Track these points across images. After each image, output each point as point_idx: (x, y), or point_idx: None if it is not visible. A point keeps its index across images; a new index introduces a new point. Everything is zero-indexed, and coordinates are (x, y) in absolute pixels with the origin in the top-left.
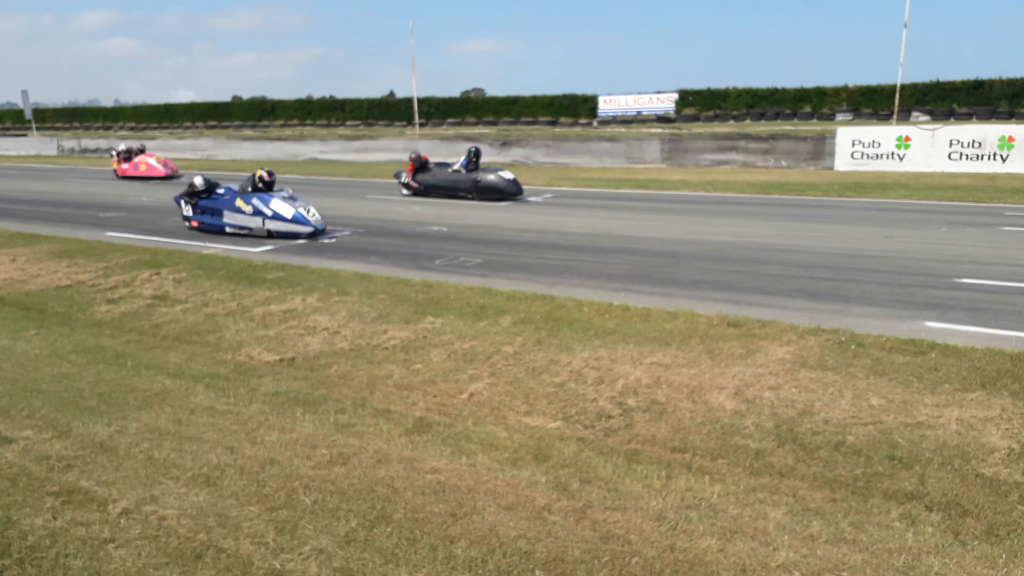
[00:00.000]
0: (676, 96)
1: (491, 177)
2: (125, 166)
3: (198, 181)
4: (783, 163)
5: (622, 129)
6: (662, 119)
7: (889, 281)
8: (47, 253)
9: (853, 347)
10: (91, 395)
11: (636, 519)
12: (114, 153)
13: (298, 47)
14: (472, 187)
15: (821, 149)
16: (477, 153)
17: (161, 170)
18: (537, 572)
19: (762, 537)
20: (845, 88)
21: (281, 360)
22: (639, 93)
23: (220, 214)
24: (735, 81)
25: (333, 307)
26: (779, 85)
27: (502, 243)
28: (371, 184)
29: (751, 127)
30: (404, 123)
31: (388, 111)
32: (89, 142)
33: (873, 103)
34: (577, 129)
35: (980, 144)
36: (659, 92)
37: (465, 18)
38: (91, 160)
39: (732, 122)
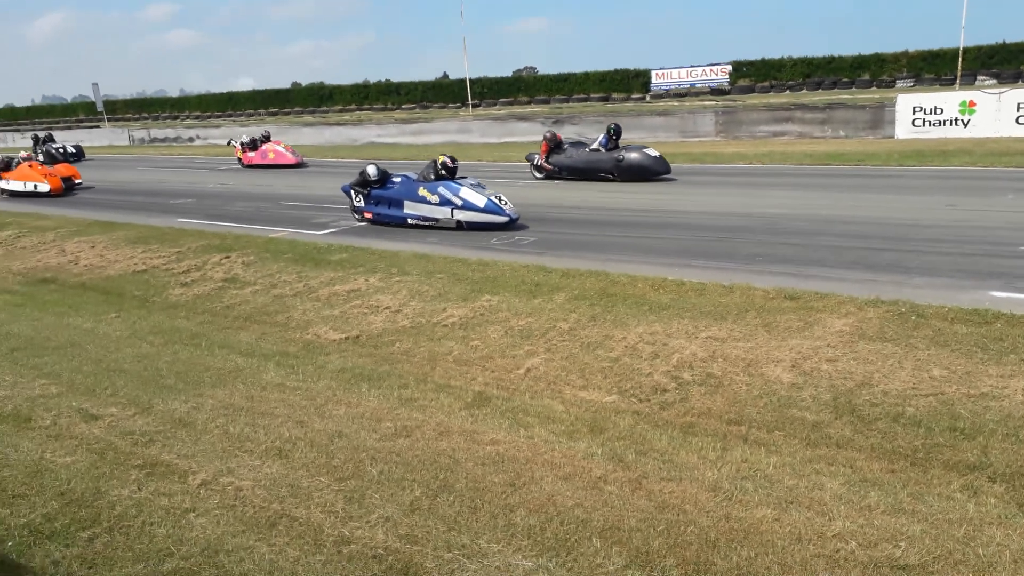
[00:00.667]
0: (730, 68)
1: (635, 155)
2: (251, 155)
3: (371, 170)
4: (841, 133)
5: (675, 103)
6: (716, 91)
7: (951, 251)
8: (123, 240)
9: (914, 318)
10: (169, 374)
11: (691, 489)
12: (237, 143)
13: (354, 33)
14: (614, 167)
15: (880, 117)
16: (617, 130)
17: (291, 158)
18: (594, 540)
19: (818, 507)
20: (905, 54)
21: (346, 338)
22: (692, 66)
23: (400, 204)
24: (790, 51)
25: (394, 287)
26: (836, 53)
27: (555, 221)
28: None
29: (807, 97)
30: (458, 104)
31: (442, 93)
32: (158, 132)
33: (935, 68)
34: (630, 104)
35: None
36: (712, 64)
37: None
38: (160, 149)
39: (788, 92)
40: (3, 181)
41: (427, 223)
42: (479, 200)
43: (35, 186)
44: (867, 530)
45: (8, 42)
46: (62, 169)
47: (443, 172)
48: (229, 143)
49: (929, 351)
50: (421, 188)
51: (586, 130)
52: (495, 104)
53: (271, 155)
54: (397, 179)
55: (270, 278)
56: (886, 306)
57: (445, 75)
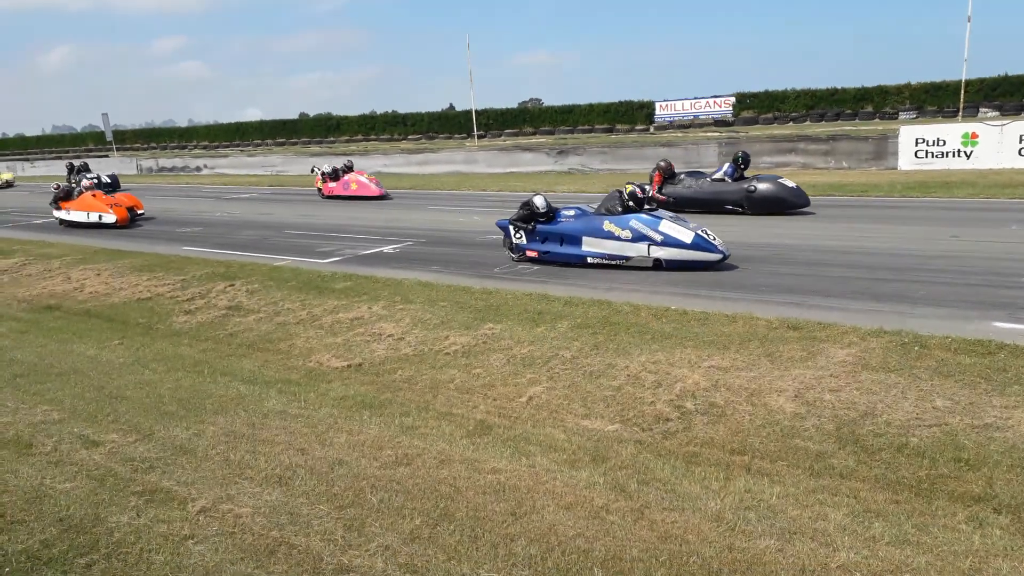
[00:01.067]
0: (733, 99)
1: (769, 186)
2: (332, 185)
3: (539, 201)
4: (844, 164)
5: (679, 134)
6: (720, 123)
7: (955, 281)
8: (129, 267)
9: (917, 348)
10: (171, 401)
11: (694, 519)
12: (319, 172)
13: (361, 65)
14: (744, 198)
15: (883, 149)
16: (745, 159)
17: (374, 189)
18: (595, 570)
19: (822, 538)
20: (908, 86)
21: (349, 366)
22: (696, 98)
23: (576, 241)
24: (793, 83)
25: (397, 314)
26: (839, 85)
27: None
28: (432, 195)
29: (811, 128)
30: (463, 135)
31: (448, 124)
32: (166, 161)
33: (938, 100)
34: (634, 135)
35: None
36: (716, 96)
37: (522, 31)
38: (168, 178)
39: (791, 124)
40: (63, 211)
41: (612, 262)
42: (685, 235)
43: (99, 217)
44: (872, 562)
45: (20, 73)
46: (125, 199)
47: (631, 203)
48: (312, 171)
49: (932, 381)
50: (607, 222)
51: (590, 160)
52: (500, 135)
53: (353, 186)
54: (570, 212)
55: (274, 306)
56: (889, 336)
57: (451, 106)
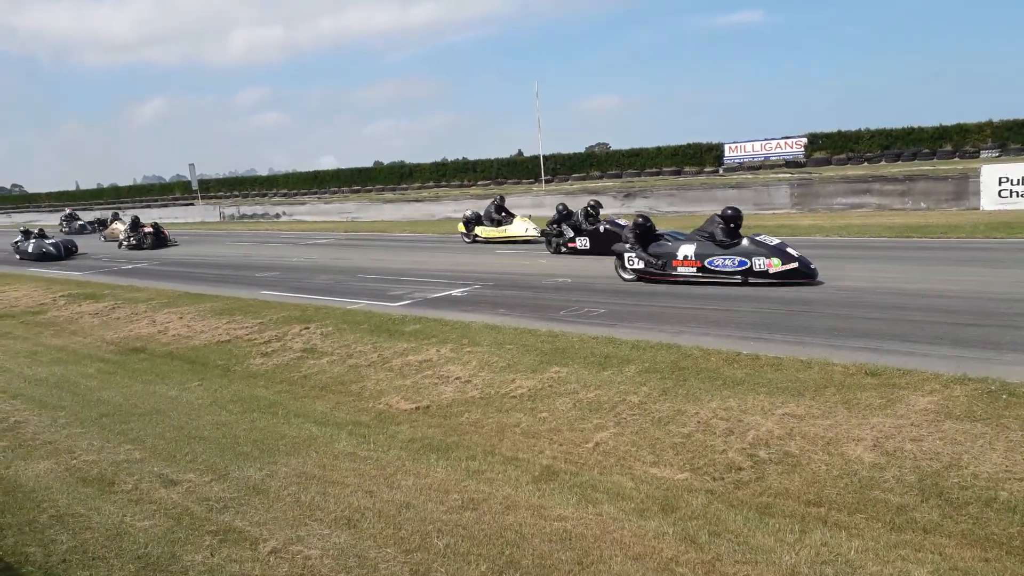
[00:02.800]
0: (805, 140)
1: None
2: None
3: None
4: (922, 204)
5: (749, 176)
6: (791, 164)
7: None
8: (210, 311)
9: (1005, 397)
10: (246, 441)
11: (768, 573)
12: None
13: (433, 112)
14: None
15: (964, 188)
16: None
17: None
18: None
19: None
20: (989, 123)
21: (417, 408)
22: (766, 139)
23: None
24: (867, 122)
25: (465, 357)
26: (915, 124)
27: (625, 293)
28: None
29: (886, 168)
30: (531, 180)
31: (516, 169)
32: (247, 208)
33: (1022, 137)
34: (702, 178)
35: None
36: (787, 137)
37: (591, 75)
38: (248, 225)
39: (866, 164)
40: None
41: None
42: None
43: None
44: None
45: (116, 126)
46: None
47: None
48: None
49: (1023, 432)
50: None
51: (657, 203)
52: (567, 179)
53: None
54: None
55: (346, 348)
56: (974, 384)
57: (519, 152)
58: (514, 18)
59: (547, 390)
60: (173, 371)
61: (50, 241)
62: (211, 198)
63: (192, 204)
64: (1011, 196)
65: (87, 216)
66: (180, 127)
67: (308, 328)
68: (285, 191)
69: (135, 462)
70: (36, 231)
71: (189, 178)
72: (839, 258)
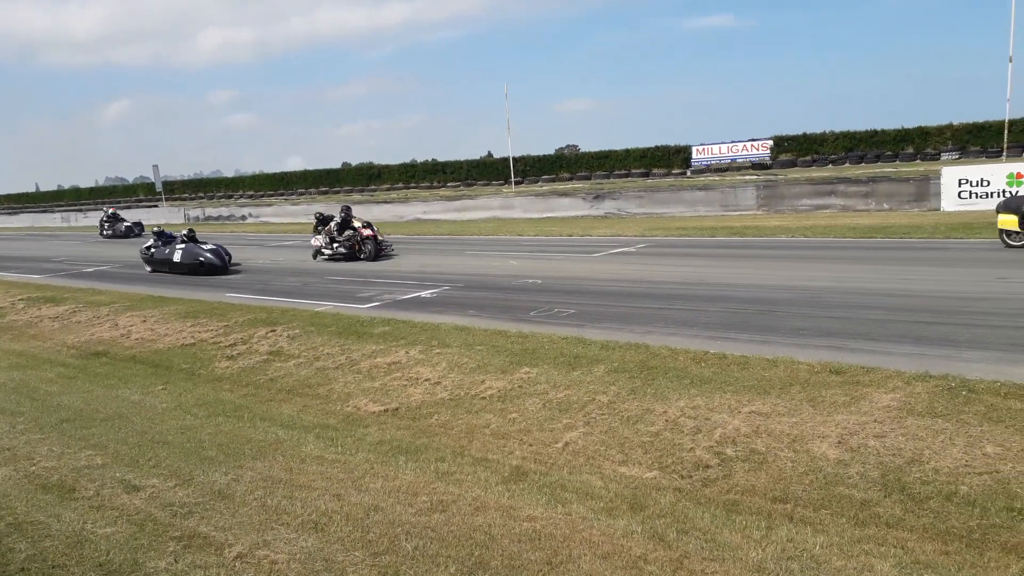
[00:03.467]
0: (771, 143)
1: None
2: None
3: None
4: (885, 206)
5: (716, 177)
6: (757, 166)
7: (1003, 324)
8: (174, 314)
9: (964, 393)
10: (211, 446)
11: (735, 570)
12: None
13: (404, 114)
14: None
15: (925, 190)
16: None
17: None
18: None
19: None
20: (950, 126)
21: (386, 410)
22: (733, 141)
23: None
24: (832, 125)
25: (434, 359)
26: (879, 127)
27: (595, 293)
28: (469, 241)
29: (850, 170)
30: (501, 181)
31: (486, 171)
32: (212, 210)
33: (981, 140)
34: (670, 179)
35: None
36: (753, 139)
37: (563, 78)
38: (214, 227)
39: (830, 166)
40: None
41: None
42: None
43: None
44: None
45: (79, 127)
46: None
47: None
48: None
49: (982, 427)
50: None
51: (626, 205)
52: (538, 181)
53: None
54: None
55: (313, 351)
56: (935, 380)
57: (489, 153)
58: (487, 19)
59: (517, 391)
60: (136, 375)
61: (208, 247)
62: (176, 200)
63: (156, 206)
64: (970, 197)
65: (132, 216)
66: (146, 128)
67: (275, 331)
68: (251, 193)
69: (96, 468)
70: (183, 234)
71: (153, 180)
72: (805, 259)
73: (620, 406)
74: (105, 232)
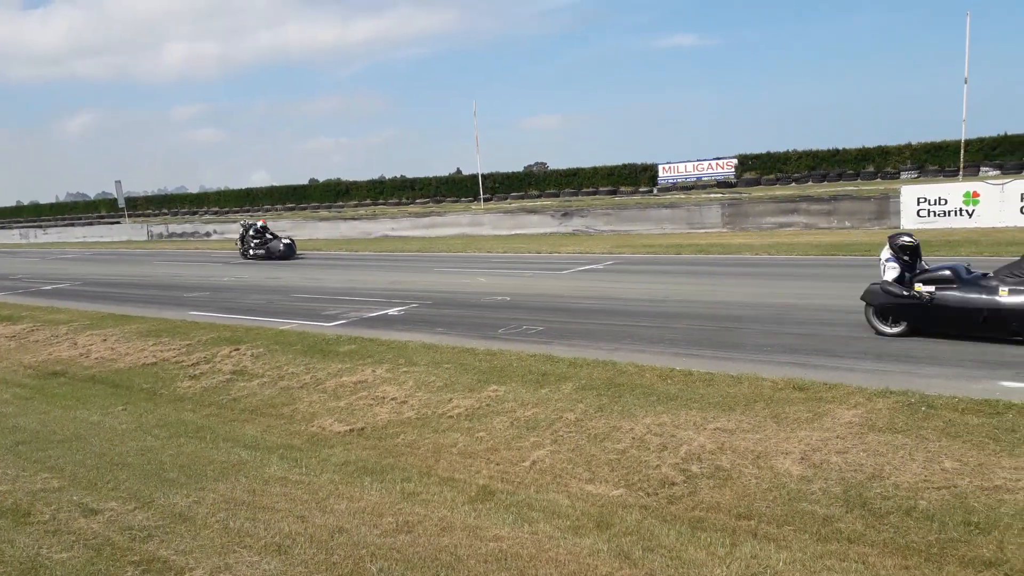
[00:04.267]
0: (736, 161)
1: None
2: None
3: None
4: (847, 223)
5: (682, 195)
6: (722, 184)
7: (961, 340)
8: (135, 332)
9: (924, 409)
10: (172, 467)
11: None
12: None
13: (372, 130)
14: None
15: (885, 208)
16: None
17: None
18: None
19: None
20: (909, 146)
21: (351, 430)
22: (698, 160)
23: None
24: (795, 144)
25: (401, 377)
26: (840, 146)
27: (563, 311)
28: (438, 258)
29: (813, 189)
30: (470, 198)
31: (455, 187)
32: (176, 227)
33: (939, 160)
34: (637, 197)
35: None
36: (718, 158)
37: (531, 96)
38: (177, 244)
39: (793, 185)
40: None
41: None
42: None
43: None
44: None
45: (38, 141)
46: None
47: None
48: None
49: (940, 442)
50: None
51: (594, 222)
52: (506, 198)
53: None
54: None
55: (278, 370)
56: (896, 396)
57: (458, 170)
58: (455, 37)
59: (484, 409)
60: (95, 395)
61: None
62: (139, 216)
63: (118, 223)
64: (928, 215)
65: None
66: (108, 143)
67: (238, 349)
68: (216, 209)
69: (53, 491)
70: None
71: (116, 195)
72: (769, 276)
73: (587, 424)
74: (252, 252)
